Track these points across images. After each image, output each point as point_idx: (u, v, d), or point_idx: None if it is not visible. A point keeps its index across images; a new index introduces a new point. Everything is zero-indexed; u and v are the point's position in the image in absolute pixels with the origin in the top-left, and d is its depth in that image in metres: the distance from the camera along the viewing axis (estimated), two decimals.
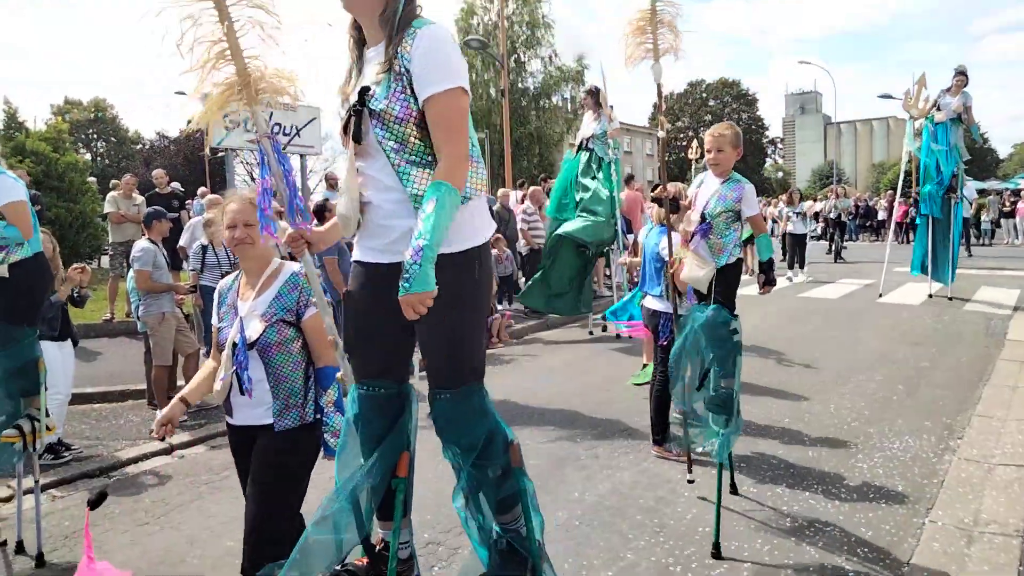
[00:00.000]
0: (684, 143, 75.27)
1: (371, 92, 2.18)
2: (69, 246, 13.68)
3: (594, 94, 8.44)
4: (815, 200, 22.99)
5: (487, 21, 36.11)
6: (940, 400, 5.78)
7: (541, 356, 8.25)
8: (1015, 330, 8.33)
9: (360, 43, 2.35)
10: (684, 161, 75.95)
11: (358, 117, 2.20)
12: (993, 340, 7.89)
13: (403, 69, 2.14)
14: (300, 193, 2.57)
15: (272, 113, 5.98)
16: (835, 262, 17.05)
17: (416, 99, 2.14)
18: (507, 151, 18.46)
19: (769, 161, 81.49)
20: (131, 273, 6.38)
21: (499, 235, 11.01)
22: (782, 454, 4.72)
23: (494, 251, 10.76)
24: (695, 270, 4.06)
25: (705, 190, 4.18)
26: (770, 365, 7.15)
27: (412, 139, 2.16)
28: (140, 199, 10.05)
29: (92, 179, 16.13)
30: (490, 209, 11.85)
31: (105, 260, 11.80)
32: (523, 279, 11.27)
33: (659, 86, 4.13)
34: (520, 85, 35.63)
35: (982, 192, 30.12)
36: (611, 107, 8.52)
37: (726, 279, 4.05)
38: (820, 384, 6.40)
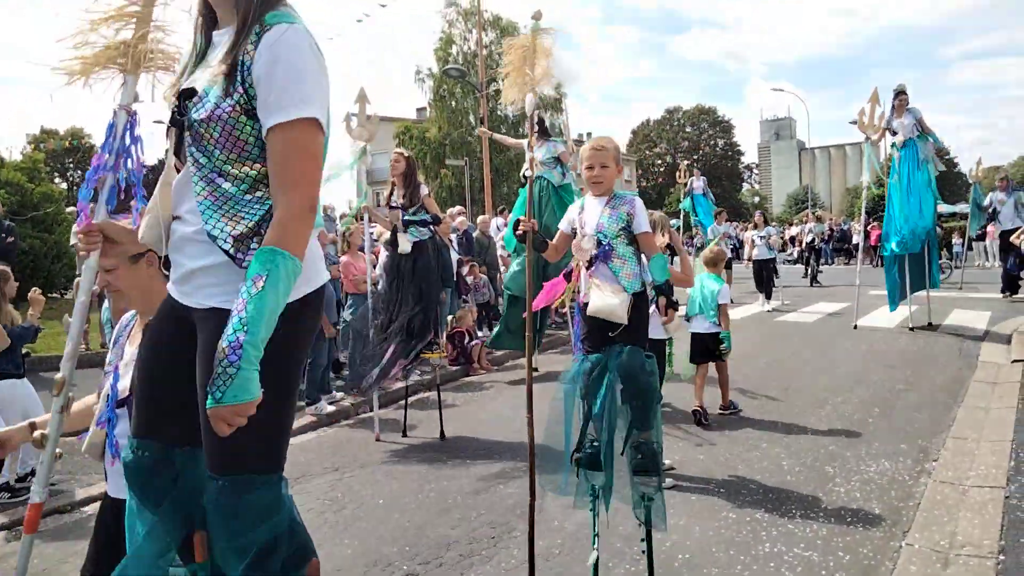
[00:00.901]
0: (661, 168, 76.38)
1: (195, 97, 1.73)
2: (44, 276, 13.52)
3: (539, 123, 8.21)
4: (791, 224, 23.32)
5: (466, 50, 36.54)
6: (915, 422, 5.85)
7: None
8: (987, 352, 8.47)
9: (210, 22, 1.87)
10: (661, 187, 76.57)
11: (178, 127, 1.80)
12: (966, 362, 8.01)
13: (241, 79, 1.67)
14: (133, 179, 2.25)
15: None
16: (811, 286, 17.26)
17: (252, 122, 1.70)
18: (487, 178, 18.60)
19: (745, 186, 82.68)
20: (106, 304, 6.30)
21: (473, 262, 11.05)
22: (760, 479, 4.75)
23: (470, 277, 10.78)
24: (608, 298, 3.56)
25: (590, 212, 3.77)
26: (748, 389, 7.19)
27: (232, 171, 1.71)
28: None
29: (71, 209, 15.99)
30: (471, 235, 11.76)
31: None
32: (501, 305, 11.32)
33: (531, 117, 4.04)
34: (499, 113, 35.96)
35: (952, 216, 30.73)
36: (569, 139, 8.48)
37: (638, 311, 3.64)
38: (798, 407, 6.45)
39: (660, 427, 3.63)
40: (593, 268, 3.69)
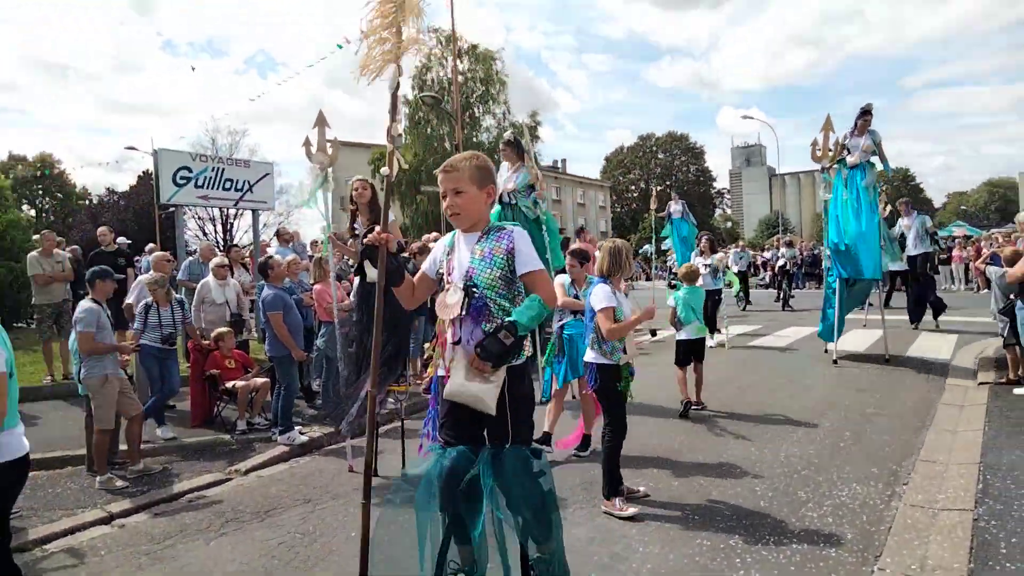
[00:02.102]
0: (635, 194, 77.23)
1: None
2: (8, 306, 13.26)
3: (514, 144, 7.71)
4: (763, 249, 23.62)
5: (442, 77, 36.81)
6: (886, 446, 5.92)
7: None
8: (954, 374, 8.61)
9: None
10: (634, 212, 77.10)
11: None
12: (934, 385, 8.13)
13: None
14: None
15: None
16: (783, 310, 17.46)
17: None
18: None
19: (718, 211, 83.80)
20: (73, 335, 6.20)
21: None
22: (735, 504, 4.76)
23: None
24: (469, 384, 2.80)
25: (460, 254, 3.01)
26: (722, 414, 7.24)
27: None
28: (63, 255, 9.72)
29: (36, 237, 15.74)
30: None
31: None
32: None
33: (393, 94, 3.18)
34: (475, 139, 36.18)
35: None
36: (536, 156, 7.94)
37: (519, 389, 2.91)
38: (771, 432, 6.49)
39: (560, 537, 2.97)
40: (465, 333, 2.89)
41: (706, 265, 11.04)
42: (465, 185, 2.97)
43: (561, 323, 6.17)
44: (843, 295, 9.44)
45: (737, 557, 3.96)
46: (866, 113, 9.29)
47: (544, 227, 7.60)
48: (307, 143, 6.12)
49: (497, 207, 7.60)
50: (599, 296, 4.76)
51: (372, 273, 5.93)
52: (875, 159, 9.34)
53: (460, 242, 3.07)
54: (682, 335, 7.47)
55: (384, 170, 3.19)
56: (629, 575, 3.83)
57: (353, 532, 4.65)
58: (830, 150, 9.32)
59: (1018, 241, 8.72)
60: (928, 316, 12.62)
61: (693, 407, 7.30)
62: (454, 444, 2.91)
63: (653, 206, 14.93)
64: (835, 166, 9.29)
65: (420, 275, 3.21)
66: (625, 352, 4.77)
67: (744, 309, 17.58)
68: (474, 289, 2.91)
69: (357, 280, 6.36)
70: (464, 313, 2.88)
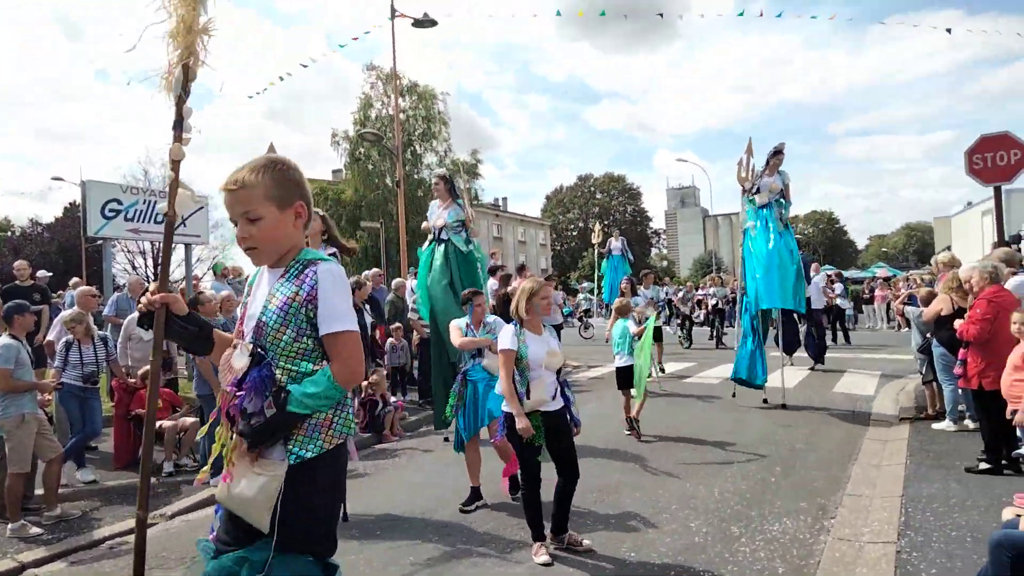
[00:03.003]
0: (574, 232, 78.44)
1: None
2: None
3: (447, 180, 7.66)
4: (697, 288, 24.20)
5: (383, 114, 36.93)
6: (815, 480, 6.09)
7: (435, 450, 8.12)
8: (878, 409, 8.97)
9: None
10: (574, 250, 77.90)
11: None
12: (859, 420, 8.44)
13: None
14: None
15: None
16: (716, 348, 17.88)
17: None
18: (403, 240, 18.58)
19: (654, 251, 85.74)
20: None
21: (398, 324, 10.95)
22: (669, 542, 4.80)
23: (390, 340, 10.67)
24: (243, 486, 2.13)
25: (258, 298, 2.30)
26: (657, 450, 7.33)
27: None
28: None
29: None
30: (378, 299, 11.25)
31: None
32: (416, 370, 11.17)
33: (179, 98, 2.51)
34: (416, 176, 36.27)
35: (848, 280, 32.72)
36: (473, 193, 7.77)
37: (305, 491, 2.13)
38: (705, 468, 6.60)
39: None
40: (247, 402, 2.14)
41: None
42: (260, 206, 2.21)
43: (464, 368, 5.90)
44: (760, 330, 9.36)
45: None
46: (778, 153, 9.28)
47: (478, 262, 7.57)
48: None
49: (429, 244, 7.59)
50: (503, 337, 4.67)
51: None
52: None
53: (263, 279, 2.34)
54: (618, 363, 8.34)
55: (161, 206, 2.56)
56: None
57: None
58: (750, 175, 9.27)
59: (934, 284, 9.15)
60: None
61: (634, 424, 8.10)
62: (226, 547, 2.15)
63: (596, 240, 15.08)
64: (745, 202, 9.28)
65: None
66: (529, 398, 4.51)
67: (688, 347, 17.92)
68: (261, 351, 2.19)
69: None
70: (249, 380, 2.16)
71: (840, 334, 18.11)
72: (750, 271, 9.34)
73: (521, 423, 4.44)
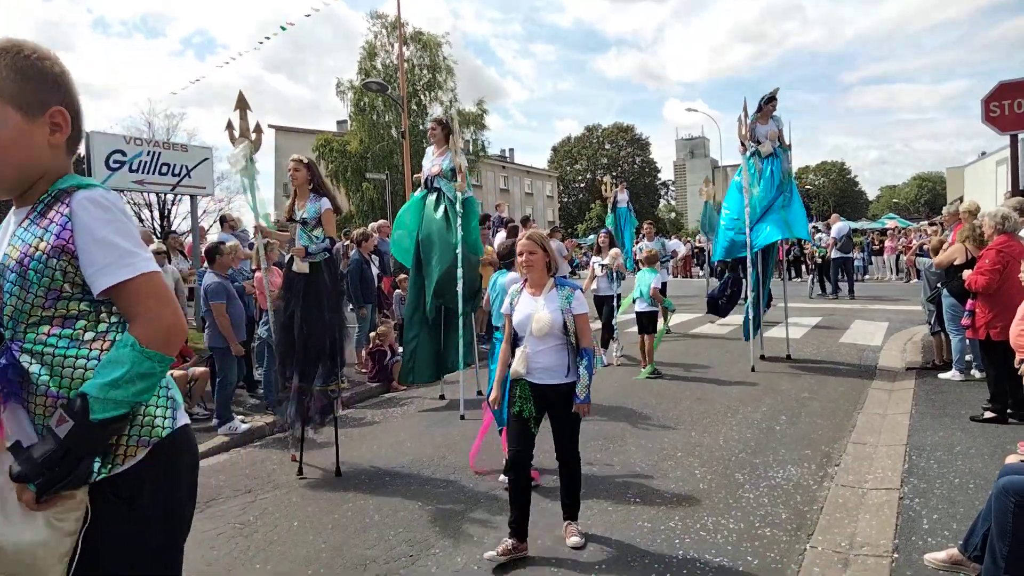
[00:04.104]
0: (581, 184, 77.85)
1: None
2: None
3: (444, 125, 7.41)
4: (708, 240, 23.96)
5: (388, 64, 36.33)
6: (819, 429, 6.13)
7: (447, 397, 8.17)
8: (884, 359, 8.97)
9: None
10: (581, 202, 77.32)
11: None
12: (865, 370, 8.46)
13: None
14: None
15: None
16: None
17: None
18: (408, 191, 18.47)
19: (662, 202, 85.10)
20: None
21: (403, 275, 10.93)
22: (674, 488, 4.86)
23: (397, 291, 10.67)
24: (7, 528, 1.51)
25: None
26: (663, 399, 7.38)
27: None
28: None
29: None
30: (383, 251, 11.05)
31: None
32: None
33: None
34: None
35: (856, 232, 32.48)
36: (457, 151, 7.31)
37: (132, 511, 1.58)
38: (710, 416, 6.65)
39: None
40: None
41: (602, 265, 9.64)
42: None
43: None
44: (761, 284, 8.95)
45: (676, 539, 4.05)
46: (771, 99, 8.94)
47: (472, 213, 7.41)
48: (229, 127, 5.70)
49: (422, 190, 7.46)
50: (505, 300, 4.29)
51: (301, 265, 5.50)
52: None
53: (9, 223, 1.72)
54: (638, 308, 8.87)
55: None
56: (573, 557, 3.88)
57: (296, 522, 4.60)
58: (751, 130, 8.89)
59: (944, 233, 9.03)
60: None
61: (657, 376, 8.55)
62: None
63: (607, 193, 14.41)
64: (745, 161, 8.84)
65: None
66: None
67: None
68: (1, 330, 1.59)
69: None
70: None
71: (841, 285, 17.04)
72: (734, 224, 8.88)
73: (493, 392, 4.18)
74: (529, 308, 3.95)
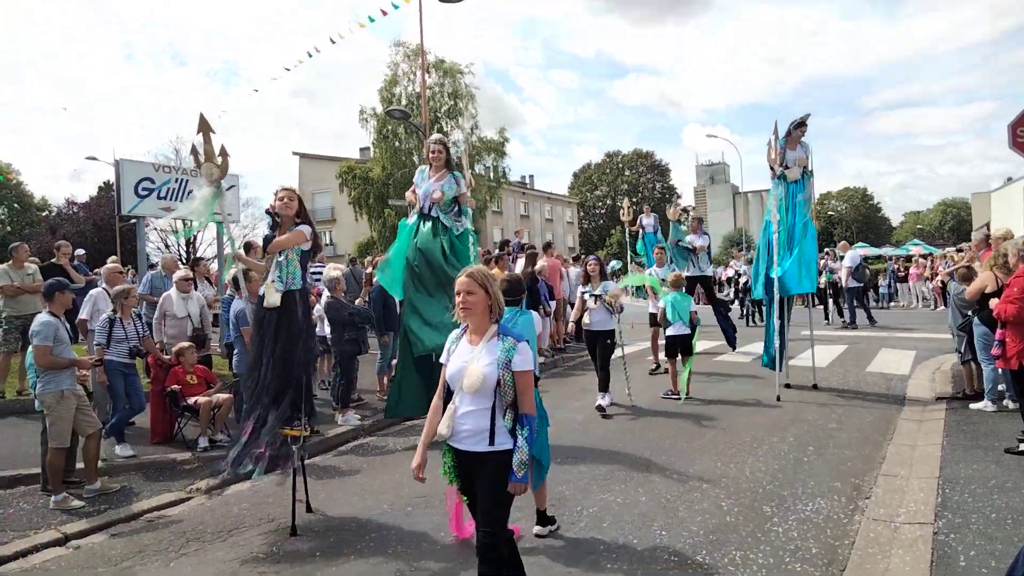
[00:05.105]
0: (601, 210, 77.94)
1: None
2: None
3: (446, 147, 6.93)
4: (727, 266, 23.89)
5: (410, 92, 36.82)
6: (848, 460, 6.01)
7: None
8: (913, 389, 8.81)
9: None
10: (601, 228, 77.27)
11: None
12: (894, 400, 8.31)
13: None
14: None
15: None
16: (747, 326, 17.70)
17: None
18: None
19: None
20: (30, 348, 6.03)
21: None
22: (701, 520, 4.78)
23: None
24: None
25: None
26: (687, 428, 7.29)
27: None
28: (34, 268, 9.51)
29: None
30: (359, 277, 10.64)
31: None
32: None
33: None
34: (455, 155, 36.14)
35: (878, 258, 32.13)
36: (468, 173, 7.03)
37: None
38: (736, 447, 6.55)
39: None
40: None
41: (593, 296, 8.24)
42: None
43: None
44: (783, 318, 8.91)
45: (704, 575, 3.98)
46: (801, 124, 8.86)
47: (471, 241, 6.90)
48: (194, 152, 5.36)
49: (415, 217, 6.87)
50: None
51: (271, 297, 5.20)
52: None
53: None
54: (670, 331, 8.89)
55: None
56: None
57: (318, 552, 4.58)
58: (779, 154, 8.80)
59: (973, 261, 8.88)
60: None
61: (673, 396, 8.78)
62: None
63: (627, 218, 13.99)
64: (774, 187, 8.80)
65: None
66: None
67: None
68: None
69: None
70: None
71: (858, 313, 16.52)
72: (764, 256, 8.95)
73: (416, 457, 3.40)
74: (464, 359, 3.28)
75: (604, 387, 8.30)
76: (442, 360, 3.42)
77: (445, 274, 6.44)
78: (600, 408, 8.15)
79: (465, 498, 3.44)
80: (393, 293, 7.35)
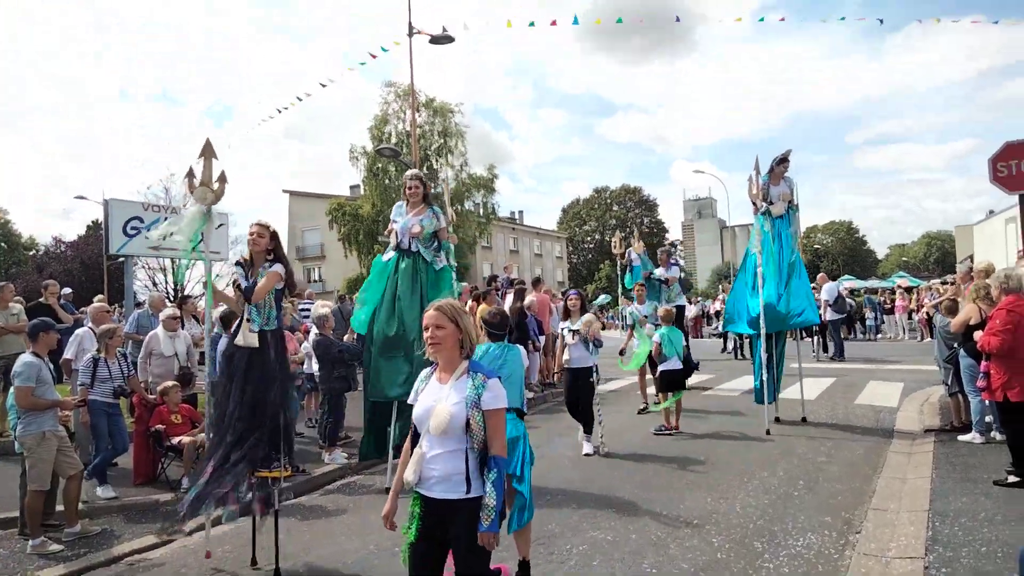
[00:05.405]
0: (590, 244, 78.37)
1: None
2: None
3: (423, 182, 6.85)
4: (715, 299, 24.00)
5: (400, 130, 37.19)
6: (838, 494, 5.98)
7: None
8: (901, 422, 8.82)
9: None
10: (590, 263, 77.69)
11: None
12: (883, 432, 8.30)
13: None
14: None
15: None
16: (736, 359, 17.72)
17: None
18: None
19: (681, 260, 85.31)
20: (11, 389, 5.95)
21: None
22: (691, 558, 4.73)
23: None
24: None
25: None
26: (677, 464, 7.24)
27: None
28: (18, 308, 9.42)
29: None
30: (344, 313, 10.50)
31: None
32: None
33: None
34: (433, 191, 36.39)
35: (864, 291, 32.35)
36: (448, 209, 7.04)
37: None
38: (726, 482, 6.51)
39: None
40: None
41: (572, 331, 7.85)
42: None
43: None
44: (771, 352, 8.78)
45: None
46: (784, 160, 8.97)
47: (453, 275, 6.87)
48: (190, 175, 5.17)
49: (394, 254, 6.79)
50: None
51: (247, 337, 4.97)
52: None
53: None
54: (665, 366, 8.84)
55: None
56: None
57: None
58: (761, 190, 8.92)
59: (958, 294, 8.97)
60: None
61: (666, 431, 8.68)
62: None
63: (619, 251, 13.82)
64: (758, 221, 8.88)
65: None
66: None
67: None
68: None
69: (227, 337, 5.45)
70: None
71: (832, 345, 16.79)
72: (749, 290, 8.89)
73: (387, 505, 3.24)
74: (432, 398, 3.08)
75: (588, 430, 7.86)
76: (410, 400, 3.22)
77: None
78: (588, 456, 7.71)
79: (437, 553, 3.09)
80: (359, 330, 7.18)
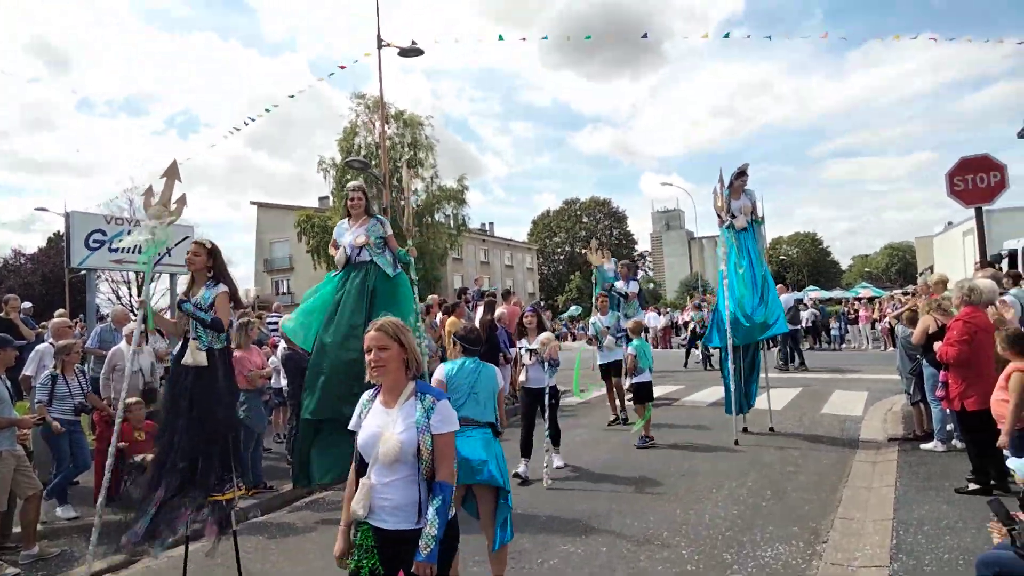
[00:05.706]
0: (560, 256, 78.73)
1: None
2: None
3: (366, 194, 6.78)
4: (683, 310, 24.25)
5: (368, 142, 37.06)
6: (806, 504, 6.06)
7: None
8: (866, 431, 8.97)
9: None
10: (560, 274, 77.87)
11: None
12: (848, 442, 8.44)
13: None
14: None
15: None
16: (705, 369, 17.89)
17: None
18: None
19: (640, 274, 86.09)
20: None
21: None
22: (662, 569, 4.75)
23: None
24: None
25: None
26: (646, 476, 7.27)
27: None
28: None
29: None
30: None
31: None
32: None
33: None
34: (402, 203, 36.28)
35: (827, 301, 32.94)
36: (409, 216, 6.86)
37: None
38: (695, 493, 6.56)
39: None
40: None
41: (531, 351, 7.58)
42: None
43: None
44: (738, 363, 9.01)
45: None
46: (742, 174, 9.11)
47: (412, 283, 6.66)
48: (149, 192, 5.09)
49: (339, 272, 6.57)
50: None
51: (195, 355, 4.82)
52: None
53: None
54: (639, 379, 8.95)
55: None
56: None
57: None
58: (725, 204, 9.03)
59: (919, 303, 9.17)
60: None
61: (650, 443, 8.74)
62: None
63: (595, 255, 13.60)
64: (723, 234, 9.03)
65: None
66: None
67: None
68: None
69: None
70: None
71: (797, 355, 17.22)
72: (732, 307, 8.84)
73: (338, 543, 2.95)
74: (378, 424, 2.86)
75: (556, 442, 7.73)
76: (351, 427, 2.97)
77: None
78: (559, 468, 7.66)
79: None
80: (295, 340, 6.90)
